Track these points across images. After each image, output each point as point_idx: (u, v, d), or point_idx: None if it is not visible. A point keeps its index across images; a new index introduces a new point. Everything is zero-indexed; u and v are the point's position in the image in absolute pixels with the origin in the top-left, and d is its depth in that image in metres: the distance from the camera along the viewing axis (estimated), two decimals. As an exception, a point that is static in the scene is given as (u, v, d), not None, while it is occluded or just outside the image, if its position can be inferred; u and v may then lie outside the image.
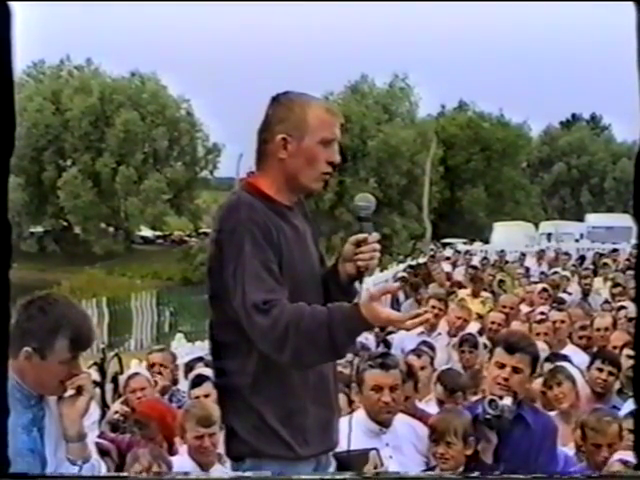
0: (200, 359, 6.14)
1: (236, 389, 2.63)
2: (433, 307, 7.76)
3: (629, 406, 4.36)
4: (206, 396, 4.82)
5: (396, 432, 4.03)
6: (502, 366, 3.64)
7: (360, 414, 4.08)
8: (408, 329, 2.64)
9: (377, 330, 7.75)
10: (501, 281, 12.92)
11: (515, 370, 3.63)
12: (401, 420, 4.09)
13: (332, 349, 2.46)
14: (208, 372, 5.03)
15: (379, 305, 2.44)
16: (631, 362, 5.17)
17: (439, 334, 7.59)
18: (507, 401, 3.55)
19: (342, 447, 2.92)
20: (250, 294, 2.47)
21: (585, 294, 11.26)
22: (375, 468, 3.48)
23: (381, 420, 4.01)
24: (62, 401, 2.65)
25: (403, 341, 7.40)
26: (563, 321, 6.98)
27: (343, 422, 2.90)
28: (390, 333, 7.99)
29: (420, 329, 7.67)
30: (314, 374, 2.66)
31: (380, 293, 2.46)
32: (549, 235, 28.44)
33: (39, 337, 2.57)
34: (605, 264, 15.18)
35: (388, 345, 7.52)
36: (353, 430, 3.72)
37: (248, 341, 2.54)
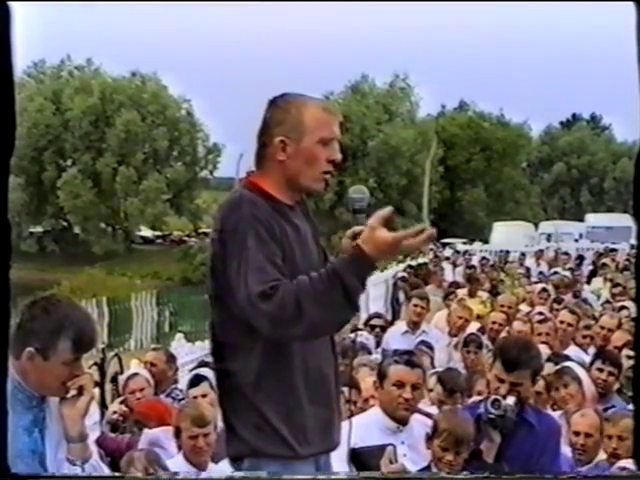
0: (205, 363, 6.11)
1: (238, 388, 2.62)
2: (415, 306, 7.78)
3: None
4: (203, 396, 4.83)
5: (412, 431, 4.03)
6: (501, 380, 3.63)
7: (377, 411, 4.10)
8: (412, 249, 2.54)
9: (377, 330, 7.78)
10: (500, 280, 12.95)
11: (514, 384, 3.61)
12: (418, 419, 4.10)
13: (347, 301, 2.43)
14: (206, 372, 5.03)
15: (379, 231, 2.41)
16: (631, 362, 5.18)
17: (423, 332, 7.61)
18: (510, 401, 3.54)
19: (357, 443, 2.92)
20: (254, 285, 2.45)
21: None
22: (391, 463, 3.48)
23: (399, 417, 4.02)
24: (63, 402, 2.65)
25: (387, 341, 7.41)
26: (571, 324, 6.92)
27: (358, 419, 2.90)
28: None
29: (404, 328, 7.73)
30: (316, 373, 2.66)
31: (379, 220, 2.43)
32: (549, 235, 28.41)
33: (42, 338, 2.57)
34: (604, 264, 15.19)
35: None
36: (370, 427, 3.74)
37: (250, 340, 2.54)
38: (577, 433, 4.26)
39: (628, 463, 3.63)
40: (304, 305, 2.41)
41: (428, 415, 4.20)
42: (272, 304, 2.43)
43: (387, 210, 2.47)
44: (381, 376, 4.15)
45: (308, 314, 2.41)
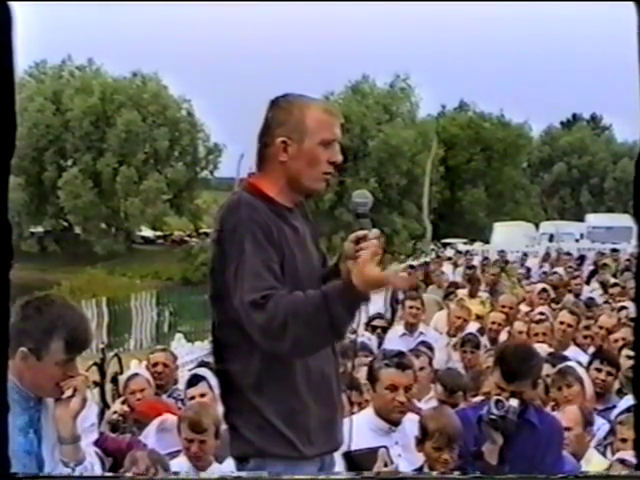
0: (205, 363, 6.12)
1: (239, 389, 2.63)
2: (410, 307, 7.77)
3: (625, 403, 4.40)
4: (202, 395, 4.82)
5: (405, 431, 4.01)
6: (501, 388, 3.63)
7: (369, 412, 4.09)
8: (399, 287, 2.63)
9: (379, 331, 7.78)
10: (496, 279, 12.93)
11: (515, 392, 3.62)
12: (410, 419, 4.08)
13: (332, 329, 2.46)
14: (204, 372, 5.04)
15: (368, 267, 2.44)
16: (631, 362, 5.18)
17: (421, 333, 7.61)
18: (513, 402, 3.53)
19: (351, 446, 2.92)
20: (248, 292, 2.47)
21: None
22: (385, 466, 3.47)
23: (392, 419, 4.01)
24: (56, 403, 2.65)
25: (386, 344, 7.38)
26: (570, 325, 6.90)
27: (350, 420, 2.90)
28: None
29: (402, 331, 7.73)
30: (317, 374, 2.66)
31: (370, 255, 2.46)
32: (551, 235, 28.34)
33: (35, 337, 2.56)
34: (605, 264, 15.17)
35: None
36: (362, 428, 3.73)
37: (250, 341, 2.54)
38: None
39: (628, 455, 3.64)
40: (290, 322, 2.43)
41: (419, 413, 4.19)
42: (262, 314, 2.44)
43: (378, 244, 2.52)
44: (373, 379, 4.13)
45: (293, 331, 2.43)
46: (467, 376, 5.59)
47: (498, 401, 3.53)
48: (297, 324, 2.43)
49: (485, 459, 3.53)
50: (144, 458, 3.80)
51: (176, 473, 3.96)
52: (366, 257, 2.46)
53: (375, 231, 2.63)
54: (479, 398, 4.66)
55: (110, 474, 3.56)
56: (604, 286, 11.75)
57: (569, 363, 5.18)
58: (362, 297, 2.48)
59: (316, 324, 2.44)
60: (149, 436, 4.48)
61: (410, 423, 4.03)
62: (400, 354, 4.26)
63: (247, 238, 2.52)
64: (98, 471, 2.97)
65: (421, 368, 5.42)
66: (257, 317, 2.45)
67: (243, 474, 2.59)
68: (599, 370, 5.24)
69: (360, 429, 3.78)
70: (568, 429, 4.23)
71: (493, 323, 7.48)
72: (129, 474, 3.61)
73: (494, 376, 3.70)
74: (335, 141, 2.69)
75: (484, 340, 7.03)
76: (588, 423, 4.38)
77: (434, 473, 3.59)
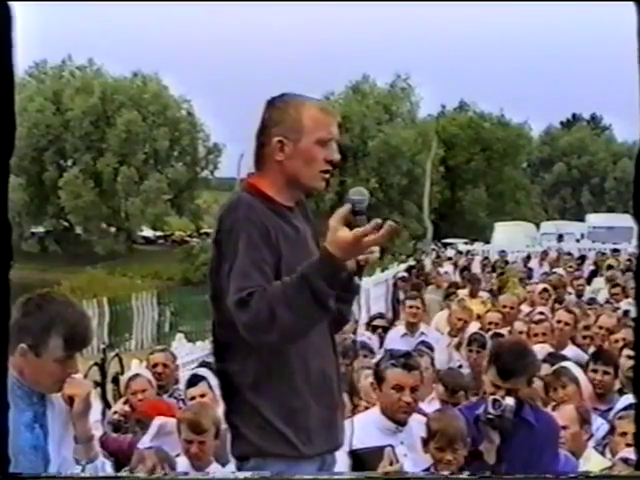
0: (205, 363, 6.13)
1: (239, 389, 2.64)
2: (410, 307, 7.82)
3: (622, 403, 4.40)
4: (202, 396, 4.82)
5: (411, 431, 4.02)
6: (497, 386, 3.63)
7: (375, 412, 4.10)
8: (380, 244, 2.53)
9: (380, 331, 7.80)
10: (501, 274, 12.94)
11: (510, 390, 3.62)
12: (416, 419, 4.09)
13: (316, 305, 2.43)
14: (204, 372, 5.04)
15: (342, 231, 2.41)
16: (631, 362, 5.17)
17: (422, 333, 7.62)
18: (510, 401, 3.54)
19: (355, 444, 2.92)
20: (236, 291, 2.48)
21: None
22: (391, 464, 3.48)
23: (397, 419, 4.03)
24: (69, 404, 2.66)
25: (387, 344, 7.41)
26: (568, 323, 6.92)
27: (357, 420, 2.90)
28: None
29: (403, 330, 7.74)
30: (317, 373, 2.67)
31: (339, 219, 2.43)
32: (560, 235, 28.14)
33: (34, 334, 2.58)
34: (610, 266, 15.15)
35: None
36: (368, 427, 3.75)
37: (248, 341, 2.54)
38: None
39: (629, 453, 3.64)
40: (276, 310, 2.42)
41: (426, 415, 4.20)
42: (248, 311, 2.44)
43: (346, 208, 2.48)
44: (379, 379, 4.15)
45: (280, 319, 2.42)
46: (469, 376, 5.59)
47: (495, 400, 3.54)
48: (283, 310, 2.42)
49: (483, 458, 3.54)
50: (151, 456, 3.81)
51: (185, 473, 3.95)
52: (335, 223, 2.43)
53: (374, 222, 2.61)
54: (473, 398, 4.67)
55: (113, 474, 3.55)
56: (610, 282, 11.71)
57: (564, 364, 5.18)
58: (339, 266, 2.45)
59: (300, 304, 2.42)
60: (146, 443, 4.48)
61: (416, 423, 4.05)
62: (407, 355, 4.27)
63: (242, 238, 2.53)
64: (109, 470, 2.98)
65: (424, 368, 5.41)
66: (243, 315, 2.46)
67: (251, 474, 2.58)
68: (595, 371, 5.24)
69: (367, 428, 3.80)
70: (564, 428, 4.24)
71: (490, 323, 7.49)
72: (138, 473, 3.61)
73: (489, 374, 3.71)
74: (332, 140, 2.70)
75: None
76: (585, 422, 4.38)
77: (444, 473, 3.60)
